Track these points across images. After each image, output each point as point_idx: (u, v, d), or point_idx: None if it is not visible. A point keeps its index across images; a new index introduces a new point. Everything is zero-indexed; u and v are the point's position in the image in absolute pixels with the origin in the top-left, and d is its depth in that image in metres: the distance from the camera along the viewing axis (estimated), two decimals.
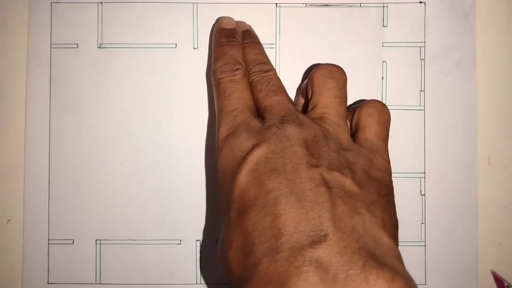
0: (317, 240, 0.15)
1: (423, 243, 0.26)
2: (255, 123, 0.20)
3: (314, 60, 0.27)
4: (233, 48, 0.24)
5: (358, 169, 0.19)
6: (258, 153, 0.18)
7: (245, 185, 0.18)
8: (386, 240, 0.16)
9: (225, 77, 0.22)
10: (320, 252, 0.15)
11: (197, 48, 0.27)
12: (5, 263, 0.26)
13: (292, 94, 0.27)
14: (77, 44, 0.27)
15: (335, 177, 0.17)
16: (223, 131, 0.21)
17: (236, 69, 0.23)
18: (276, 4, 0.27)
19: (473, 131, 0.26)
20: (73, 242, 0.26)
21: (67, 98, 0.27)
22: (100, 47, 0.27)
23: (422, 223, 0.26)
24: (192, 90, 0.27)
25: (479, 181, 0.26)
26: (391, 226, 0.18)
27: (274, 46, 0.27)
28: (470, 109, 0.27)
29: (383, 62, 0.27)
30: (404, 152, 0.27)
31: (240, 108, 0.21)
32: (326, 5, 0.27)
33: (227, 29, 0.25)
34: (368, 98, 0.27)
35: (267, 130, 0.19)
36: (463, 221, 0.26)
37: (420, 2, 0.27)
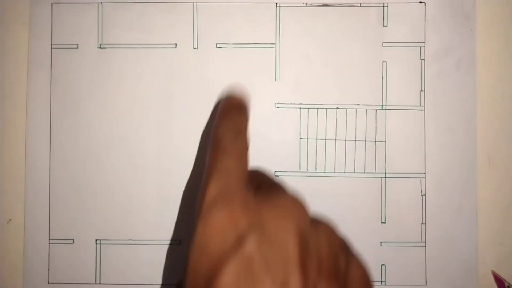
0: None
1: (423, 243, 0.26)
2: (250, 194, 0.17)
3: (314, 60, 0.27)
4: (241, 117, 0.22)
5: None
6: (253, 245, 0.15)
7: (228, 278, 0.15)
8: None
9: (228, 136, 0.20)
10: None
11: (197, 48, 0.27)
12: (5, 263, 0.26)
13: (291, 97, 0.27)
14: (78, 44, 0.27)
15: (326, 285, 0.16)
16: (213, 190, 0.17)
17: (240, 137, 0.20)
18: (276, 4, 0.27)
19: (473, 131, 0.26)
20: (73, 242, 0.26)
21: (68, 98, 0.27)
22: (100, 47, 0.27)
23: (422, 223, 0.26)
24: (192, 90, 0.27)
25: (479, 181, 0.26)
26: None
27: (274, 46, 0.27)
28: (470, 109, 0.27)
29: (383, 62, 0.27)
30: (404, 152, 0.27)
31: (236, 172, 0.18)
32: (326, 5, 0.27)
33: (239, 101, 0.23)
34: (368, 98, 0.27)
35: (265, 206, 0.17)
36: (463, 221, 0.26)
37: (420, 2, 0.27)
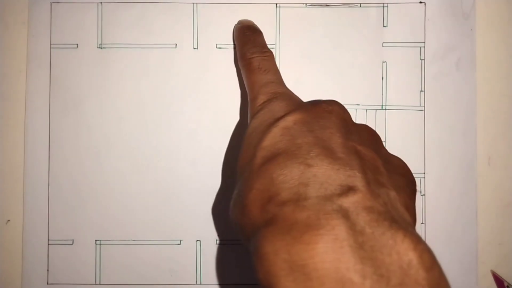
0: (346, 193, 0.15)
1: None
2: (294, 95, 0.21)
3: (314, 60, 0.27)
4: (259, 36, 0.25)
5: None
6: (298, 115, 0.18)
7: (278, 138, 0.17)
8: (407, 217, 0.16)
9: (256, 56, 0.23)
10: (349, 203, 0.14)
11: (197, 48, 0.27)
12: (4, 264, 0.26)
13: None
14: (77, 44, 0.27)
15: (368, 153, 0.17)
16: (262, 99, 0.21)
17: (266, 51, 0.23)
18: (276, 4, 0.27)
19: (473, 131, 0.27)
20: (73, 242, 0.26)
21: (67, 98, 0.27)
22: (100, 47, 0.27)
23: (422, 223, 0.26)
24: (192, 90, 0.27)
25: (479, 181, 0.26)
26: (412, 216, 0.17)
27: (274, 46, 0.27)
28: (470, 109, 0.27)
29: (383, 62, 0.27)
30: (404, 152, 0.26)
31: (276, 81, 0.22)
32: (326, 5, 0.27)
33: (250, 25, 0.26)
34: (368, 98, 0.27)
35: (311, 103, 0.19)
36: (463, 221, 0.26)
37: (420, 2, 0.27)
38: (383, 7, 0.27)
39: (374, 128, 0.26)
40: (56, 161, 0.26)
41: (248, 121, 0.21)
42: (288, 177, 0.16)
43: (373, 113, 0.27)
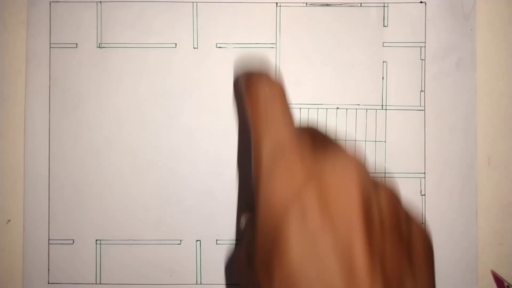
0: None
1: None
2: (307, 150, 0.17)
3: (314, 60, 0.27)
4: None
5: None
6: (312, 196, 0.15)
7: (290, 238, 0.14)
8: None
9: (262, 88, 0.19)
10: None
11: (197, 48, 0.27)
12: (5, 264, 0.26)
13: (291, 97, 0.27)
14: (76, 43, 0.27)
15: (394, 250, 0.15)
16: (267, 146, 0.17)
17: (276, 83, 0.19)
18: (277, 3, 0.27)
19: (473, 131, 0.27)
20: (73, 242, 0.26)
21: (67, 98, 0.27)
22: (99, 47, 0.27)
23: (422, 223, 0.26)
24: (192, 90, 0.27)
25: (479, 181, 0.26)
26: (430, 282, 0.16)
27: (274, 46, 0.27)
28: (470, 109, 0.27)
29: (383, 62, 0.27)
30: (404, 152, 0.27)
31: (288, 130, 0.17)
32: (327, 4, 0.27)
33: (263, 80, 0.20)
34: (368, 98, 0.27)
35: (322, 157, 0.16)
36: (463, 221, 0.26)
37: (421, 2, 0.27)
38: (384, 6, 0.27)
39: (374, 129, 0.26)
40: (56, 161, 0.26)
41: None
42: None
43: (373, 113, 0.27)
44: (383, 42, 0.27)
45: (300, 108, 0.27)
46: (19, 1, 0.27)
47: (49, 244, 0.26)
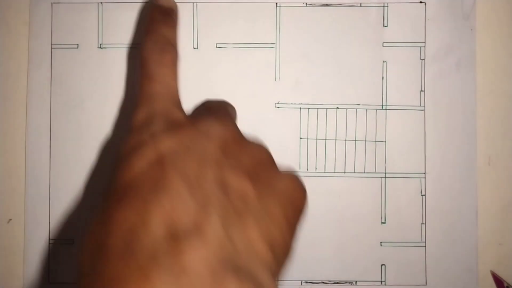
0: (190, 236, 0.14)
1: (423, 244, 0.26)
2: (177, 114, 0.18)
3: (314, 60, 0.27)
4: (167, 27, 0.21)
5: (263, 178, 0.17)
6: (167, 144, 0.16)
7: (136, 171, 0.15)
8: (266, 257, 0.15)
9: (153, 57, 0.20)
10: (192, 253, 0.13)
11: (197, 48, 0.27)
12: (6, 263, 0.26)
13: (291, 97, 0.27)
14: (78, 44, 0.27)
15: (238, 182, 0.16)
16: (140, 116, 0.18)
17: (167, 51, 0.20)
18: (276, 3, 0.27)
19: (473, 131, 0.26)
20: (73, 242, 0.26)
21: (68, 98, 0.27)
22: (100, 47, 0.27)
23: (422, 223, 0.26)
24: (192, 90, 0.27)
25: (479, 181, 0.26)
26: (284, 246, 0.16)
27: (274, 46, 0.27)
28: (470, 109, 0.27)
29: (383, 62, 0.27)
30: (404, 152, 0.27)
31: (163, 95, 0.19)
32: (326, 4, 0.27)
33: (165, 6, 0.22)
34: (368, 98, 0.27)
35: (189, 124, 0.17)
36: (463, 221, 0.26)
37: (421, 2, 0.27)
38: (384, 6, 0.27)
39: (374, 129, 0.26)
40: (57, 161, 0.27)
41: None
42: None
43: (373, 113, 0.27)
44: (383, 42, 0.27)
45: (300, 108, 0.27)
46: (21, 2, 0.27)
47: (49, 243, 0.26)
